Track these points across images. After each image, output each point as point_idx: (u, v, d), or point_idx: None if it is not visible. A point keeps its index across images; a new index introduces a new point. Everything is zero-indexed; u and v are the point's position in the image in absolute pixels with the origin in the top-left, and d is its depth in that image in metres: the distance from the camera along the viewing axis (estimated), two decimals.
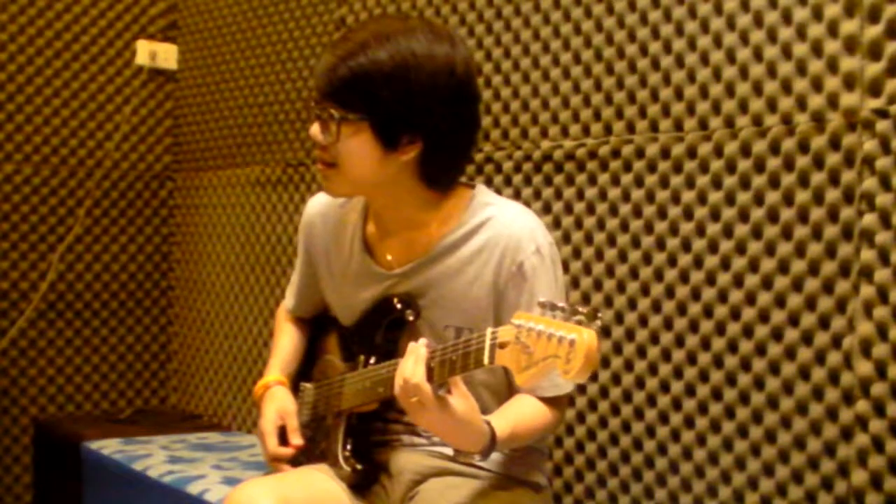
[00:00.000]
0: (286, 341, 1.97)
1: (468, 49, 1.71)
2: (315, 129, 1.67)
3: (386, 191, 1.70)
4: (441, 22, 2.44)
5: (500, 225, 1.69)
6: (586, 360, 1.26)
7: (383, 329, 1.74)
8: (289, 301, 2.00)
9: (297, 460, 1.81)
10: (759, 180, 1.87)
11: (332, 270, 1.86)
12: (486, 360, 1.42)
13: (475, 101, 1.70)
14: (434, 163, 1.67)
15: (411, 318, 1.72)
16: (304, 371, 1.94)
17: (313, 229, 1.89)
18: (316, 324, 1.97)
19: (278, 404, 1.83)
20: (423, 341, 1.53)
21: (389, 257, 1.77)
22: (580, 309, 1.30)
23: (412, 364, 1.50)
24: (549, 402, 1.68)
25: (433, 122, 1.63)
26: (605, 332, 2.12)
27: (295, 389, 1.91)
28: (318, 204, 1.90)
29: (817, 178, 1.78)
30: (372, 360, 1.73)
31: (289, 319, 2.00)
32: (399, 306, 1.72)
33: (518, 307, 1.65)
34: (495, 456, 1.74)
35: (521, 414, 1.65)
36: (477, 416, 1.51)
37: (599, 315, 1.30)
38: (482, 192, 1.76)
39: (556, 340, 1.29)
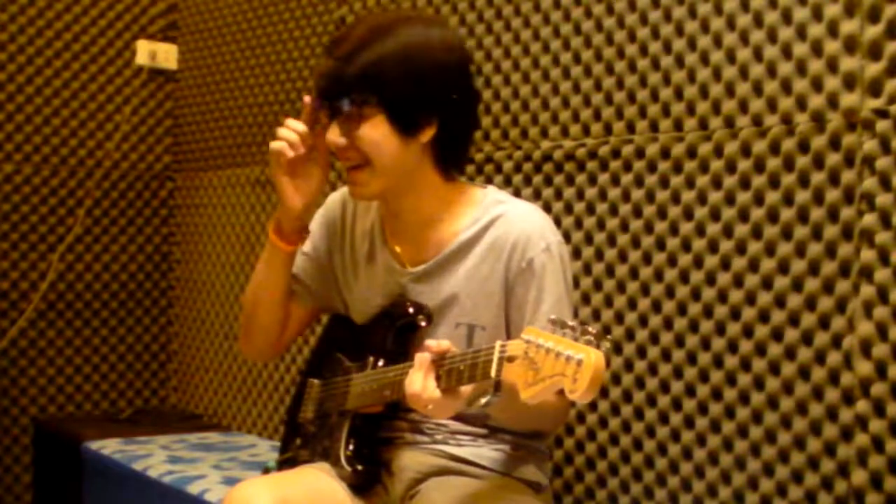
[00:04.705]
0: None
1: (458, 30, 1.76)
2: (332, 133, 1.68)
3: (408, 185, 1.71)
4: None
5: (511, 222, 1.71)
6: (592, 381, 1.28)
7: (394, 332, 1.74)
8: None
9: (298, 459, 1.81)
10: (759, 180, 1.87)
11: (345, 265, 1.86)
12: (493, 372, 1.42)
13: (473, 76, 1.78)
14: (449, 142, 1.71)
15: (423, 323, 1.72)
16: (314, 366, 1.93)
17: (334, 222, 1.88)
18: (328, 319, 1.97)
19: None
20: (427, 355, 1.52)
21: (404, 255, 1.78)
22: (590, 329, 1.32)
23: (421, 378, 1.50)
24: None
25: (445, 98, 1.67)
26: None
27: (303, 386, 1.90)
28: (339, 196, 1.90)
29: (817, 178, 1.78)
30: (380, 363, 1.73)
31: None
32: (411, 311, 1.73)
33: (526, 304, 1.67)
34: (496, 455, 1.74)
35: None
36: (479, 385, 1.51)
37: (609, 336, 1.31)
38: (494, 192, 1.79)
39: (564, 359, 1.30)
